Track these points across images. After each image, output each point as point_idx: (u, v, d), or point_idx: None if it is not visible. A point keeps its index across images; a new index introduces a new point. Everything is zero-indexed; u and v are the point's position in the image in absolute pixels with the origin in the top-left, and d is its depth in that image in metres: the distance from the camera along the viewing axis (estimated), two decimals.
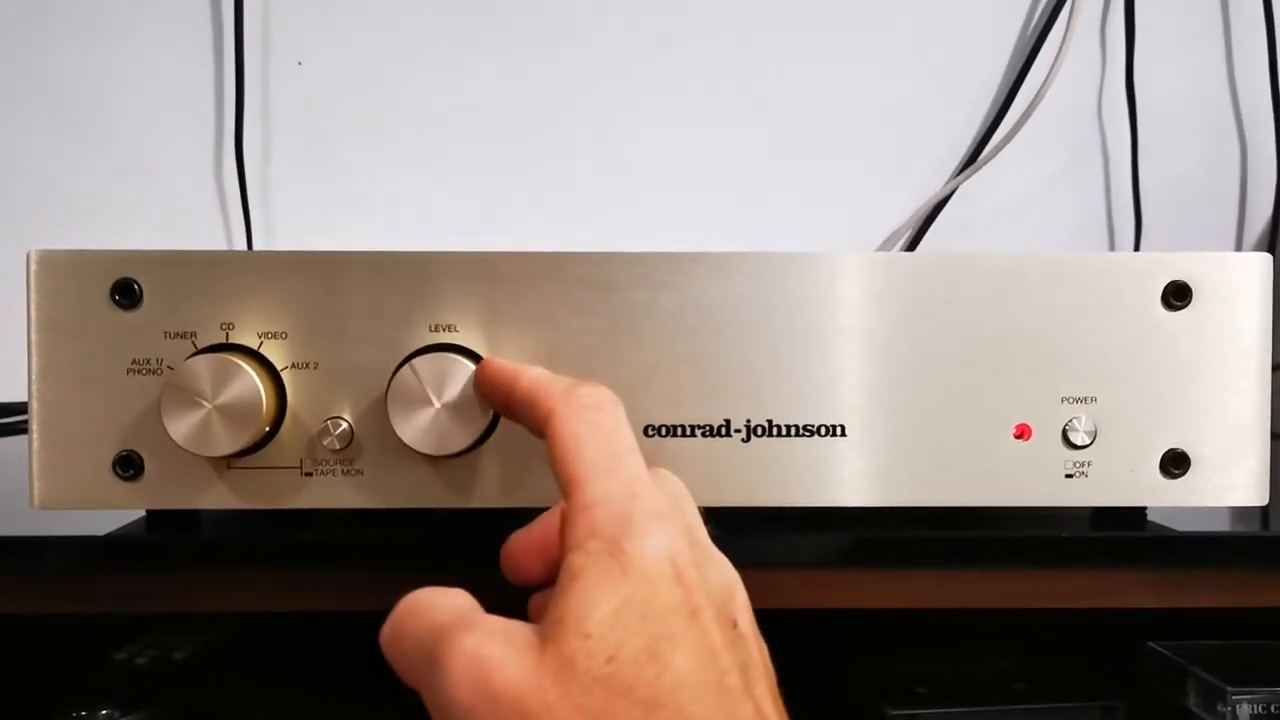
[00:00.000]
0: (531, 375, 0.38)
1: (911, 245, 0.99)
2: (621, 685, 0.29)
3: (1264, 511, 0.47)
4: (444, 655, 0.30)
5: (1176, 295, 0.42)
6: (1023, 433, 0.42)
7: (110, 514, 0.44)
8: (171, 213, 0.96)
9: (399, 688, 0.32)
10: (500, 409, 0.40)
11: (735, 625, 0.33)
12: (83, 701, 0.51)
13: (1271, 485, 0.43)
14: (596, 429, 0.35)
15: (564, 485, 0.34)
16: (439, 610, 0.32)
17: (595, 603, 0.30)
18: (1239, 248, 1.00)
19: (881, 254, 0.41)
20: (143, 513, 0.45)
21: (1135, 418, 0.42)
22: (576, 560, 0.31)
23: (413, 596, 0.33)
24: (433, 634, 0.31)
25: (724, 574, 0.34)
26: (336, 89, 0.96)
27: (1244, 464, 0.42)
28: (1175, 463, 0.42)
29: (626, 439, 0.35)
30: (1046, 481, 0.42)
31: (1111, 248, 1.00)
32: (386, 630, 0.33)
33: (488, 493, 0.42)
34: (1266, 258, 0.42)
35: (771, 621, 0.38)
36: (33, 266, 0.41)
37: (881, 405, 0.42)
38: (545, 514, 0.38)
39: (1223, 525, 0.46)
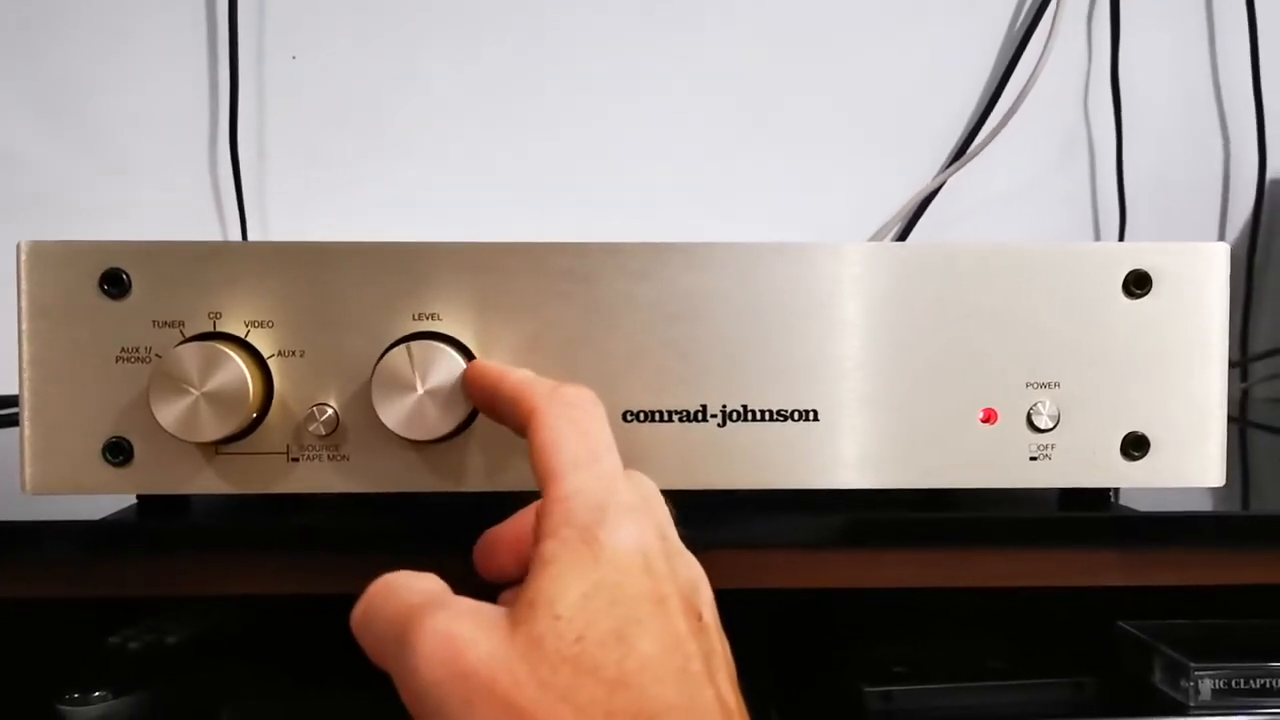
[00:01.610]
0: (516, 376, 0.38)
1: (901, 238, 1.00)
2: (588, 664, 0.30)
3: (1243, 494, 0.48)
4: (414, 635, 0.30)
5: (1137, 284, 0.43)
6: (989, 417, 0.43)
7: (101, 499, 0.44)
8: (167, 209, 0.97)
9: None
10: (485, 408, 0.40)
11: (700, 617, 0.33)
12: (77, 684, 0.52)
13: (1230, 469, 0.44)
14: (576, 427, 0.35)
15: (541, 479, 0.34)
16: (410, 592, 0.32)
17: (567, 586, 0.31)
18: (1221, 237, 1.00)
19: (854, 244, 0.42)
20: (133, 498, 0.45)
21: (1097, 402, 0.43)
22: (550, 547, 0.32)
23: (384, 579, 0.34)
24: (403, 615, 0.31)
25: (691, 569, 0.35)
26: (331, 83, 0.97)
27: (1202, 447, 0.43)
28: (1136, 445, 0.43)
29: (605, 438, 0.36)
30: (1012, 464, 0.43)
31: (1097, 239, 1.01)
32: (357, 612, 0.33)
33: (471, 477, 0.43)
34: (1224, 247, 0.43)
35: (750, 604, 0.38)
36: (23, 257, 0.42)
37: (852, 391, 0.43)
38: (519, 512, 0.39)
39: (1191, 506, 0.47)
